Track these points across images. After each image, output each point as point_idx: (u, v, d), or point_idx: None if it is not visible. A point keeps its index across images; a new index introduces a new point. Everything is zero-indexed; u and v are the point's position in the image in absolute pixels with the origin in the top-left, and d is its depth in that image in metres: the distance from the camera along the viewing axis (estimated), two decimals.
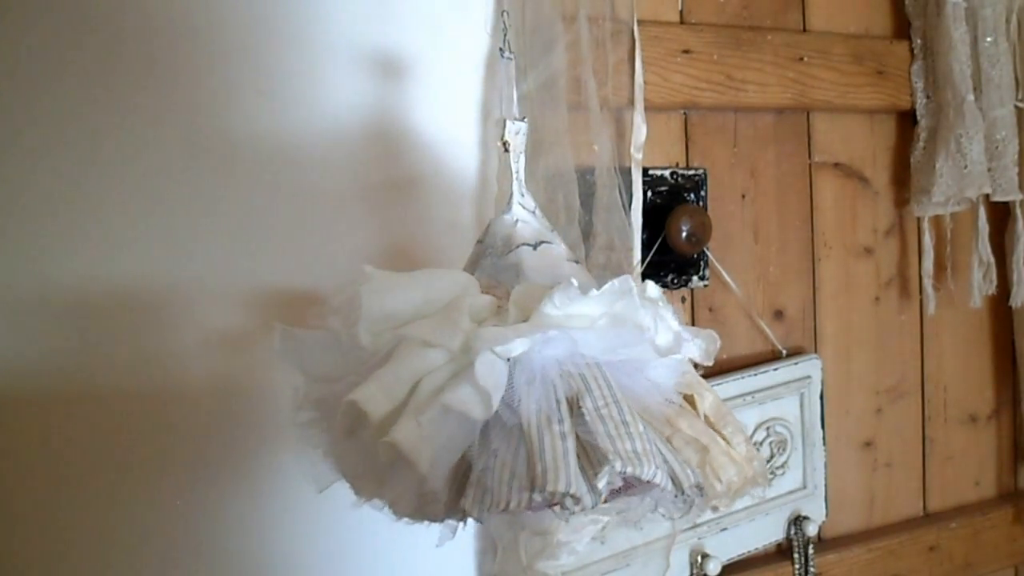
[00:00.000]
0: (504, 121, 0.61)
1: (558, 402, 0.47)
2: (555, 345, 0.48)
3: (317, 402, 0.54)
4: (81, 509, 0.71)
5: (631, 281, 0.50)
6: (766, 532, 1.00)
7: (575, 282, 0.48)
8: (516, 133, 0.61)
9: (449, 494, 0.47)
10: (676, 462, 0.49)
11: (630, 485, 0.48)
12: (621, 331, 0.49)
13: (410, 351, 0.47)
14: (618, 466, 0.44)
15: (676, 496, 0.48)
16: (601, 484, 0.44)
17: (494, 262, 0.59)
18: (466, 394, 0.45)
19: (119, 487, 0.72)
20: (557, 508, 0.45)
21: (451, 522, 0.51)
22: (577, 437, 0.46)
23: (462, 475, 0.47)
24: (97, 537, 0.71)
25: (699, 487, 0.49)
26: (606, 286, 0.49)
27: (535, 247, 0.59)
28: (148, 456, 0.73)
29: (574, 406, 0.47)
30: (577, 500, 0.43)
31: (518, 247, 0.59)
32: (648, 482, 0.46)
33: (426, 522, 0.50)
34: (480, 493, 0.45)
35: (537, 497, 0.43)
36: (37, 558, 0.70)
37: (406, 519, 0.49)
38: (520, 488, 0.44)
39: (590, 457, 0.45)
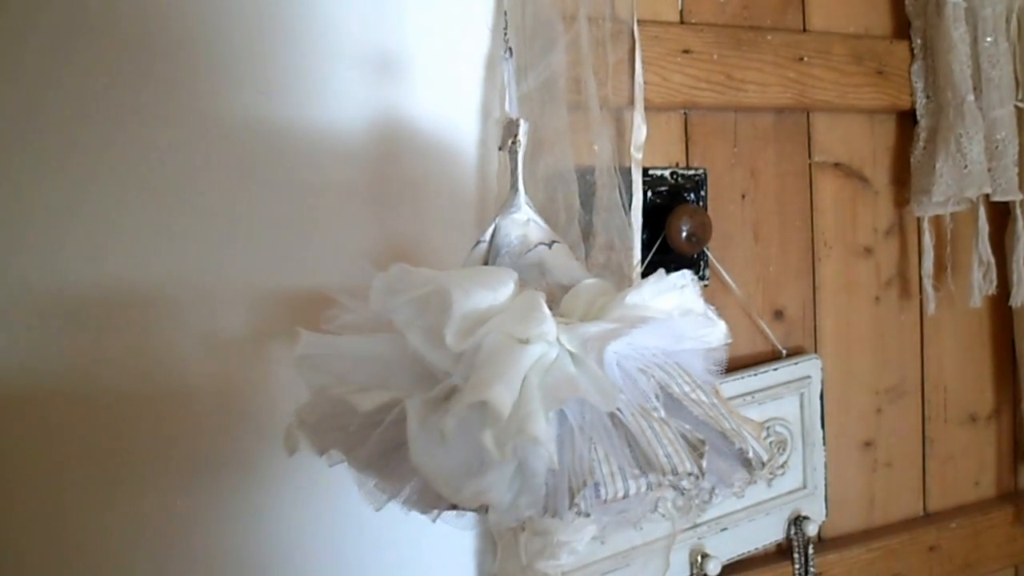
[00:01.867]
0: (519, 121, 0.62)
1: (653, 391, 0.50)
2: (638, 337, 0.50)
3: (337, 405, 0.51)
4: (81, 509, 0.71)
5: (689, 273, 0.54)
6: (766, 532, 1.00)
7: (665, 276, 0.53)
8: (524, 133, 0.62)
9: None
10: (754, 440, 0.52)
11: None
12: (692, 321, 0.53)
13: (511, 348, 0.47)
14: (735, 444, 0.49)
15: (751, 472, 0.52)
16: (705, 463, 0.47)
17: (513, 262, 0.59)
18: (595, 387, 0.46)
19: (119, 487, 0.72)
20: (669, 493, 0.48)
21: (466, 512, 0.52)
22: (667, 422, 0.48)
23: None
24: (97, 537, 0.71)
25: (764, 463, 0.52)
26: (672, 278, 0.54)
27: (550, 246, 0.60)
28: (148, 456, 0.73)
29: (662, 394, 0.50)
30: (696, 479, 0.46)
31: (536, 246, 0.60)
32: (746, 458, 0.50)
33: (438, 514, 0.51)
34: (593, 488, 0.45)
35: (655, 481, 0.46)
36: (38, 558, 0.70)
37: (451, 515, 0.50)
38: (637, 475, 0.46)
39: (688, 439, 0.48)
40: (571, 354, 0.48)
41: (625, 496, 0.46)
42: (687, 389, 0.51)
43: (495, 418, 0.43)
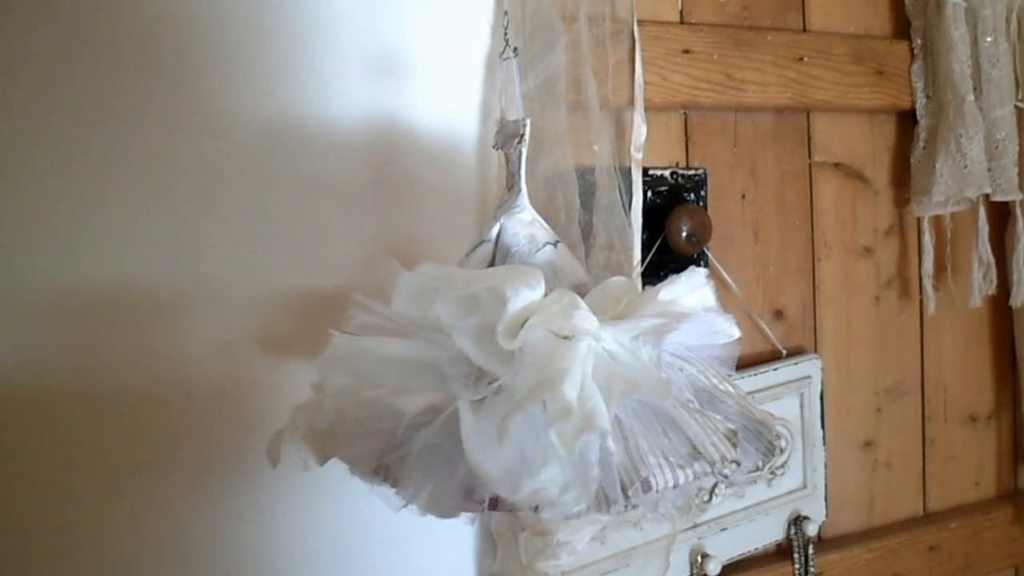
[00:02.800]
0: (526, 120, 0.62)
1: (687, 383, 0.52)
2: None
3: (370, 408, 0.50)
4: (84, 509, 0.71)
5: (706, 271, 0.57)
6: (766, 532, 1.00)
7: (696, 272, 0.56)
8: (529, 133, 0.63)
9: None
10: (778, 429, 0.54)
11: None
12: (719, 317, 0.55)
13: (563, 344, 0.47)
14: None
15: (771, 459, 0.56)
16: (739, 451, 0.49)
17: (524, 261, 0.59)
18: (649, 381, 0.48)
19: (122, 487, 0.72)
20: (709, 480, 0.50)
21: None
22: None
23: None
24: (100, 537, 0.72)
25: (781, 451, 0.54)
26: (700, 275, 0.56)
27: (555, 245, 0.61)
28: (151, 456, 0.73)
29: (693, 386, 0.52)
30: (739, 465, 0.49)
31: (544, 246, 0.60)
32: (771, 447, 0.53)
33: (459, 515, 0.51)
34: (643, 480, 0.47)
35: (701, 470, 0.48)
36: (40, 558, 0.70)
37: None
38: (684, 465, 0.48)
39: (723, 429, 0.51)
40: (617, 349, 0.50)
41: (675, 486, 0.47)
42: (715, 381, 0.54)
43: (563, 414, 0.44)
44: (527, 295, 0.48)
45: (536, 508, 0.46)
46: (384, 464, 0.49)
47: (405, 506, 0.50)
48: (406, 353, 0.50)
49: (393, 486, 0.50)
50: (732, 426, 0.51)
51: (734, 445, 0.49)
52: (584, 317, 0.48)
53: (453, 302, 0.48)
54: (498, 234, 0.61)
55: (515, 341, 0.47)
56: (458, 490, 0.47)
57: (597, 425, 0.44)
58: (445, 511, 0.49)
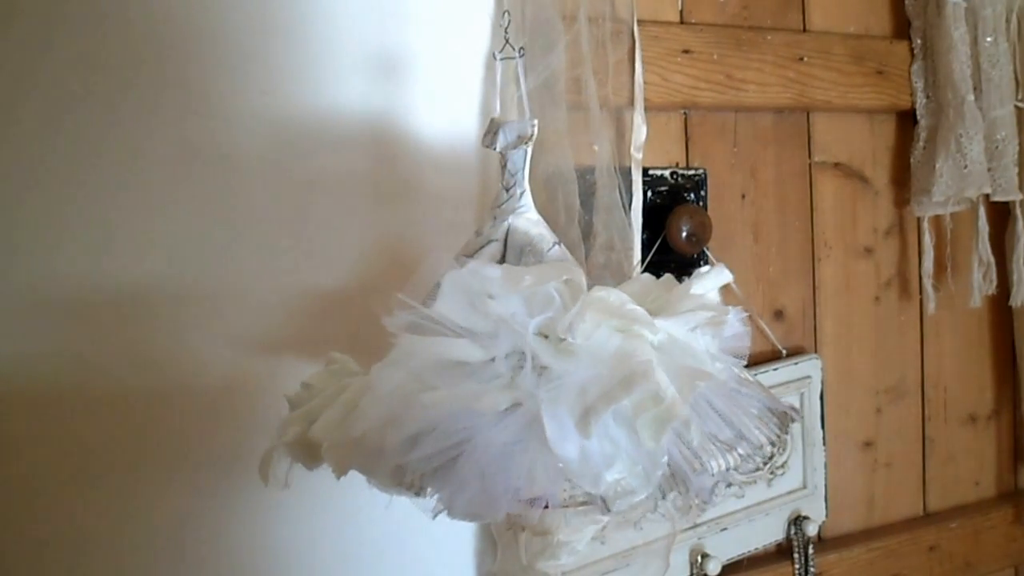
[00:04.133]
0: (534, 121, 0.63)
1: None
2: None
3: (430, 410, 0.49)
4: (90, 508, 0.71)
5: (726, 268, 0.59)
6: (766, 532, 1.00)
7: (723, 270, 0.59)
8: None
9: None
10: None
11: None
12: (732, 313, 0.56)
13: (634, 339, 0.50)
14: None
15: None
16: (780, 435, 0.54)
17: (538, 261, 0.60)
18: (714, 372, 0.51)
19: (128, 486, 0.72)
20: (751, 464, 0.52)
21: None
22: None
23: None
24: (106, 536, 0.72)
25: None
26: (721, 274, 0.58)
27: (560, 245, 0.62)
28: (157, 455, 0.73)
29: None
30: (774, 447, 0.52)
31: (553, 246, 0.61)
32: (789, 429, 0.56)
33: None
34: (702, 466, 0.49)
35: (746, 452, 0.50)
36: (45, 557, 0.70)
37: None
38: (731, 449, 0.50)
39: (774, 411, 0.54)
40: (676, 341, 0.52)
41: (727, 470, 0.49)
42: (739, 371, 0.56)
43: (654, 404, 0.46)
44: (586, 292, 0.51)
45: (604, 500, 0.47)
46: (415, 471, 0.48)
47: (437, 514, 0.49)
48: (465, 354, 0.49)
49: (417, 494, 0.49)
50: (783, 408, 0.54)
51: (782, 428, 0.53)
52: (640, 312, 0.50)
53: (522, 299, 0.49)
54: (507, 234, 0.61)
55: (581, 336, 0.48)
56: (506, 491, 0.46)
57: (680, 415, 0.46)
58: (486, 514, 0.49)
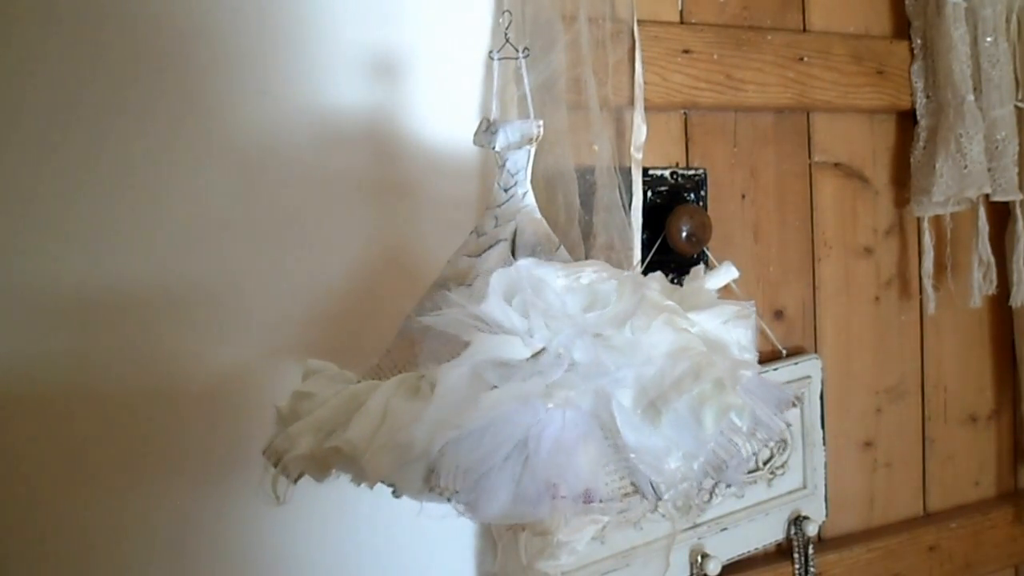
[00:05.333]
0: (540, 121, 0.63)
1: None
2: None
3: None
4: (90, 508, 0.71)
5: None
6: (766, 532, 1.00)
7: (731, 267, 0.62)
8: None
9: None
10: None
11: None
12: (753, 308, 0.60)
13: (687, 332, 0.52)
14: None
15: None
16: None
17: (549, 260, 0.60)
18: (754, 364, 0.55)
19: (130, 486, 0.72)
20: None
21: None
22: None
23: None
24: (106, 536, 0.72)
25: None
26: (730, 271, 0.62)
27: (562, 247, 0.63)
28: (156, 455, 0.73)
29: None
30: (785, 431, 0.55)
31: (559, 245, 0.62)
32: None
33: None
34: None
35: (764, 438, 0.53)
36: (47, 557, 0.70)
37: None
38: (751, 436, 0.52)
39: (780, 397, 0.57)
40: (711, 334, 0.54)
41: (753, 455, 0.52)
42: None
43: (719, 393, 0.48)
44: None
45: (657, 489, 0.48)
46: (450, 474, 0.47)
47: (462, 515, 0.48)
48: (521, 352, 0.49)
49: (449, 499, 0.47)
50: (784, 397, 0.56)
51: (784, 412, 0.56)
52: (676, 307, 0.53)
53: (581, 295, 0.50)
54: (514, 234, 0.61)
55: (639, 331, 0.50)
56: (545, 489, 0.46)
57: (736, 403, 0.49)
58: (522, 515, 0.49)
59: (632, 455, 0.47)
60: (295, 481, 0.54)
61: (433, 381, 0.49)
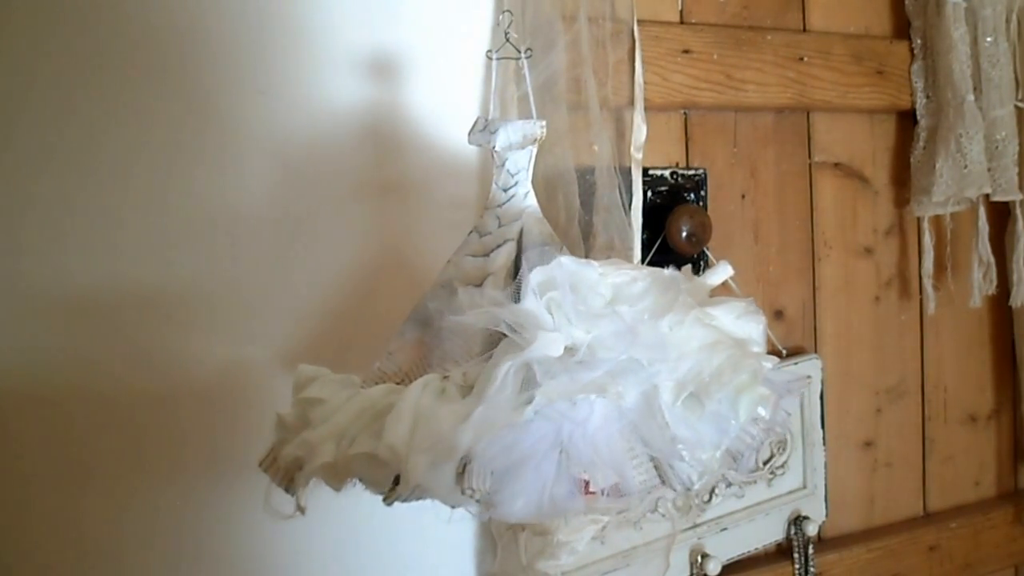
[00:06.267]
0: (542, 122, 0.63)
1: None
2: None
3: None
4: (90, 508, 0.71)
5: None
6: (766, 532, 1.00)
7: (727, 265, 0.65)
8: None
9: None
10: None
11: None
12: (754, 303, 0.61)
13: (712, 329, 0.54)
14: None
15: None
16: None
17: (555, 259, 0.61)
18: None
19: (129, 488, 0.72)
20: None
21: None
22: None
23: None
24: (106, 536, 0.72)
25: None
26: (727, 269, 0.64)
27: (564, 247, 0.63)
28: (158, 457, 0.73)
29: None
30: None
31: (562, 245, 0.62)
32: None
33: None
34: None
35: (768, 427, 0.55)
36: (47, 559, 0.70)
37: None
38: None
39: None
40: (729, 328, 0.56)
41: (760, 444, 0.53)
42: None
43: (755, 382, 0.51)
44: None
45: (691, 479, 0.50)
46: (482, 473, 0.47)
47: (486, 516, 0.49)
48: (559, 348, 0.50)
49: (479, 500, 0.47)
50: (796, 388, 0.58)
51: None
52: (693, 302, 0.55)
53: (620, 292, 0.52)
54: (520, 234, 0.61)
55: (678, 325, 0.51)
56: (573, 485, 0.47)
57: (765, 394, 0.51)
58: (551, 513, 0.49)
59: (681, 447, 0.49)
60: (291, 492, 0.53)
61: (461, 382, 0.50)
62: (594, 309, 0.50)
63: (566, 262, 0.51)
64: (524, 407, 0.46)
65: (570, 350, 0.49)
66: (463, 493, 0.46)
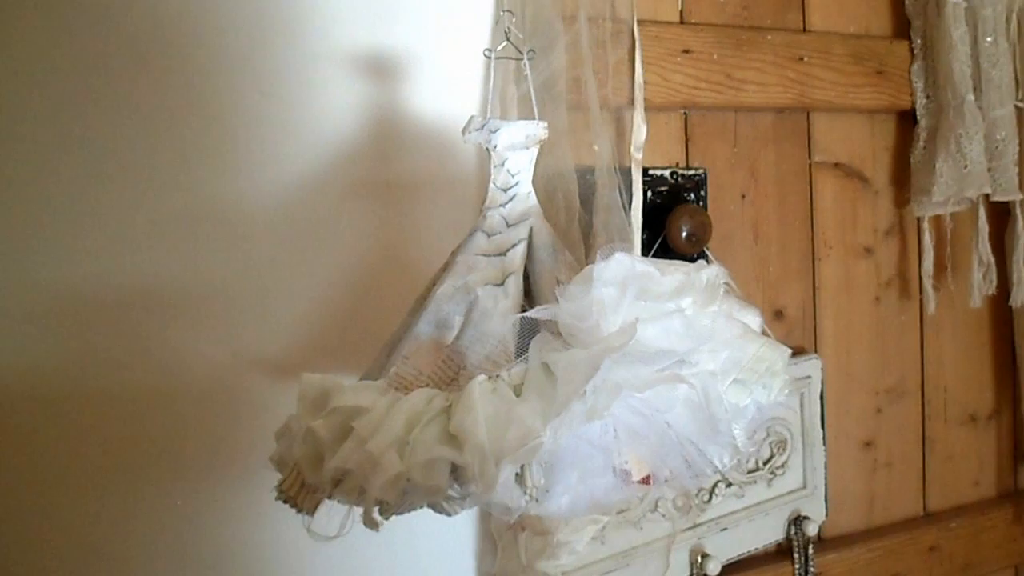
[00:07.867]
0: (544, 123, 0.64)
1: None
2: None
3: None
4: (92, 508, 0.71)
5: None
6: (766, 532, 1.00)
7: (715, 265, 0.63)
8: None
9: None
10: None
11: None
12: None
13: (737, 321, 0.58)
14: None
15: None
16: None
17: (567, 261, 0.63)
18: None
19: (129, 486, 0.72)
20: None
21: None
22: None
23: None
24: (107, 535, 0.72)
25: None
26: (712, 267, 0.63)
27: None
28: (158, 455, 0.73)
29: None
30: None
31: (563, 246, 0.63)
32: None
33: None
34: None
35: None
36: (47, 557, 0.70)
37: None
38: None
39: None
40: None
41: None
42: None
43: (785, 371, 0.56)
44: None
45: (718, 466, 0.53)
46: (539, 471, 0.47)
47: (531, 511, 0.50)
48: (630, 342, 0.51)
49: (536, 498, 0.47)
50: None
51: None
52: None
53: (676, 287, 0.53)
54: (530, 234, 0.62)
55: (715, 318, 0.54)
56: (616, 475, 0.49)
57: (788, 380, 0.56)
58: (593, 508, 0.51)
59: (736, 431, 0.53)
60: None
61: (509, 381, 0.49)
62: (659, 303, 0.52)
63: (626, 257, 0.51)
64: (601, 402, 0.46)
65: (637, 343, 0.48)
66: (524, 492, 0.46)
